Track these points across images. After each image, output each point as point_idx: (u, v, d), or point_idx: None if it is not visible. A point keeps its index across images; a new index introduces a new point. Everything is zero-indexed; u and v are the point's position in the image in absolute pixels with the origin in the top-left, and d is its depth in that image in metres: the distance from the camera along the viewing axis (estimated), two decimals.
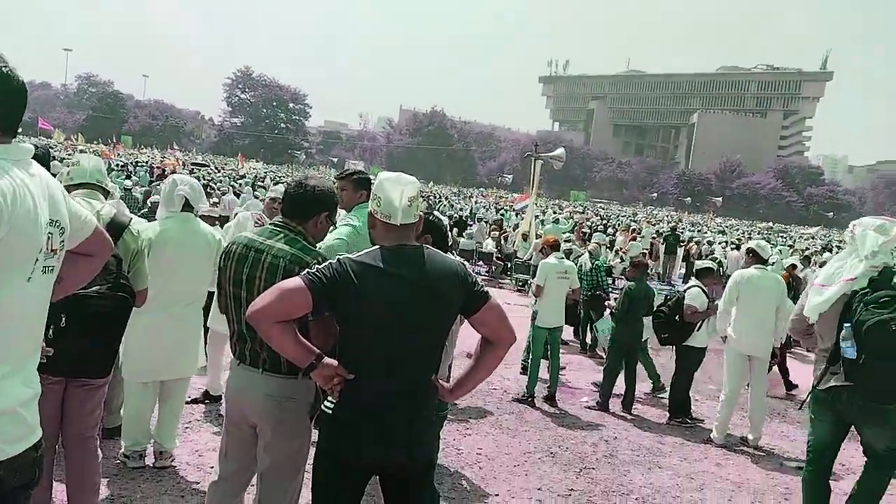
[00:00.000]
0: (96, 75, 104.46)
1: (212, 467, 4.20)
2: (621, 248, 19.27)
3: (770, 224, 63.85)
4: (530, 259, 16.26)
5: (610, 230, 25.84)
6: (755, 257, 6.17)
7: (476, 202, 38.59)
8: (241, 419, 2.71)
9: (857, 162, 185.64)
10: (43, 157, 4.22)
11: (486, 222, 22.82)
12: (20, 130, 1.80)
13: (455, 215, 24.65)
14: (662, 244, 19.88)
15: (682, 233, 24.23)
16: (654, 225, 34.42)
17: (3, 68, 1.66)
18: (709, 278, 6.84)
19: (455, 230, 19.54)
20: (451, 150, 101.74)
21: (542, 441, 5.55)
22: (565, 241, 16.25)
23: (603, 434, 5.94)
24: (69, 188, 3.19)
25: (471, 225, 21.46)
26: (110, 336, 2.95)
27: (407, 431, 2.28)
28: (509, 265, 17.50)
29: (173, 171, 30.58)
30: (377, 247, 2.30)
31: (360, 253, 2.27)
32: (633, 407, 6.77)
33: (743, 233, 41.27)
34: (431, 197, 37.92)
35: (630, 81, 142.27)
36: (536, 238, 17.34)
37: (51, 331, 2.70)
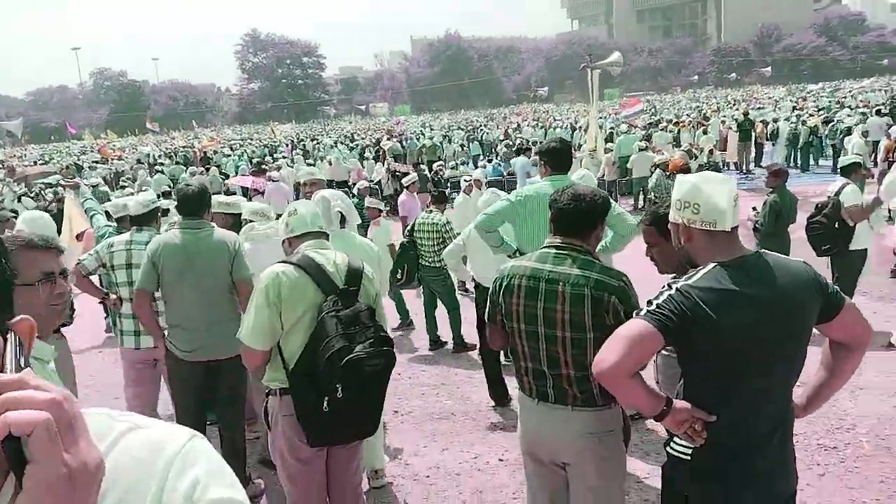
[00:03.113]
0: (108, 68, 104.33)
1: (427, 477, 4.12)
2: (693, 145, 18.46)
3: (820, 85, 60.69)
4: (603, 177, 15.69)
5: (667, 125, 24.80)
6: None
7: (516, 124, 37.11)
8: (550, 460, 2.51)
9: None
10: (202, 197, 3.98)
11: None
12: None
13: (508, 143, 23.98)
14: (737, 132, 18.85)
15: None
16: (701, 110, 32.94)
17: None
18: (856, 173, 6.35)
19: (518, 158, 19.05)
20: (473, 73, 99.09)
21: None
22: (641, 150, 15.70)
23: None
24: (291, 241, 2.94)
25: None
26: (383, 393, 2.74)
27: (783, 469, 2.02)
28: None
29: (214, 153, 30.58)
30: (713, 265, 1.95)
31: (697, 276, 1.93)
32: None
33: (797, 99, 39.16)
34: (470, 126, 37.04)
35: None
36: (605, 154, 16.73)
37: (326, 403, 2.50)
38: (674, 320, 1.86)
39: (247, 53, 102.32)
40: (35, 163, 35.35)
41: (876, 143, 15.41)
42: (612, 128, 24.09)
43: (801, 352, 2.00)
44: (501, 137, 26.42)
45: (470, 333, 6.57)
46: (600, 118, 28.37)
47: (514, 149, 21.70)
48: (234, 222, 4.63)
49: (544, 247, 2.52)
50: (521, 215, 3.99)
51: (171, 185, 19.44)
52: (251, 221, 4.58)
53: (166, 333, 3.90)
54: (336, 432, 2.64)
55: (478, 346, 6.49)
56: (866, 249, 6.13)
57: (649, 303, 1.95)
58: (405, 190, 10.41)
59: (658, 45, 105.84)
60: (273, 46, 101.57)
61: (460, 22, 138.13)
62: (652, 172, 14.54)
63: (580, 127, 27.30)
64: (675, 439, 2.03)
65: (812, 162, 19.54)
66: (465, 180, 9.98)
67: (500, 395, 5.14)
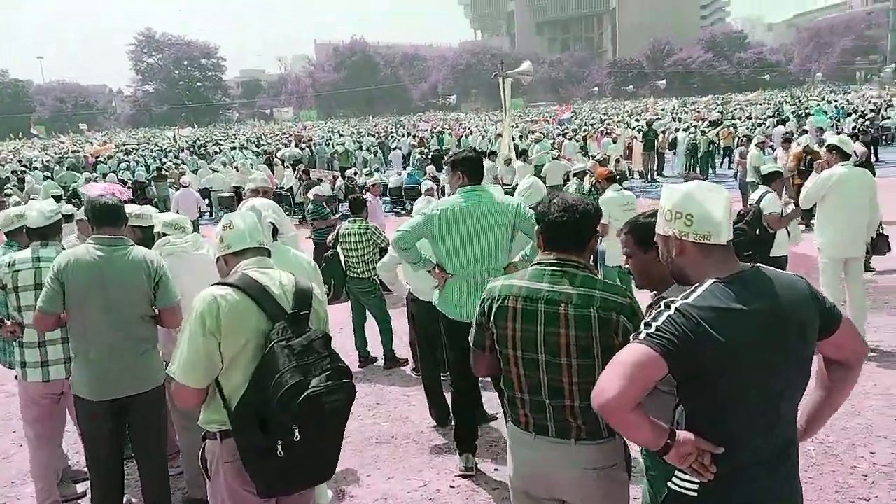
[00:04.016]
0: None
1: None
2: (610, 155, 18.88)
3: (709, 97, 64.19)
4: (516, 186, 15.78)
5: (570, 134, 25.43)
6: (839, 154, 5.86)
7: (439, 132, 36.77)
8: (548, 497, 2.30)
9: (774, 19, 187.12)
10: (120, 210, 3.52)
11: None
12: None
13: (422, 151, 23.85)
14: (642, 141, 19.52)
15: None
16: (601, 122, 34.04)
17: None
18: (776, 182, 6.55)
19: (433, 167, 18.90)
20: (379, 80, 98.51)
21: None
22: (553, 158, 15.91)
23: None
24: (227, 258, 2.55)
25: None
26: (342, 431, 2.42)
27: (791, 495, 1.89)
28: None
29: (109, 157, 28.77)
30: (711, 282, 1.80)
31: (696, 295, 1.77)
32: None
33: (683, 112, 41.24)
34: (383, 133, 36.67)
35: None
36: (518, 162, 16.85)
37: (279, 448, 2.18)
38: (676, 343, 1.70)
39: (141, 54, 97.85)
40: None
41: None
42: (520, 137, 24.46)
43: (807, 370, 1.89)
44: (415, 145, 26.19)
45: (399, 347, 6.32)
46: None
47: (429, 156, 21.61)
48: (146, 236, 4.15)
49: (537, 264, 2.31)
50: (438, 229, 3.85)
51: (63, 192, 18.07)
52: (165, 234, 4.11)
53: (71, 367, 3.42)
54: (290, 480, 2.30)
55: (410, 362, 6.25)
56: (786, 257, 6.31)
57: (647, 325, 1.78)
58: (367, 192, 10.06)
59: (558, 57, 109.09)
60: (169, 47, 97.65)
61: (363, 27, 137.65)
62: (566, 180, 14.78)
63: (491, 136, 27.58)
64: (678, 473, 1.86)
65: (710, 171, 20.49)
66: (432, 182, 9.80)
67: (441, 415, 4.90)
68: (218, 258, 2.59)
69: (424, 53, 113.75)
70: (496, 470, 4.13)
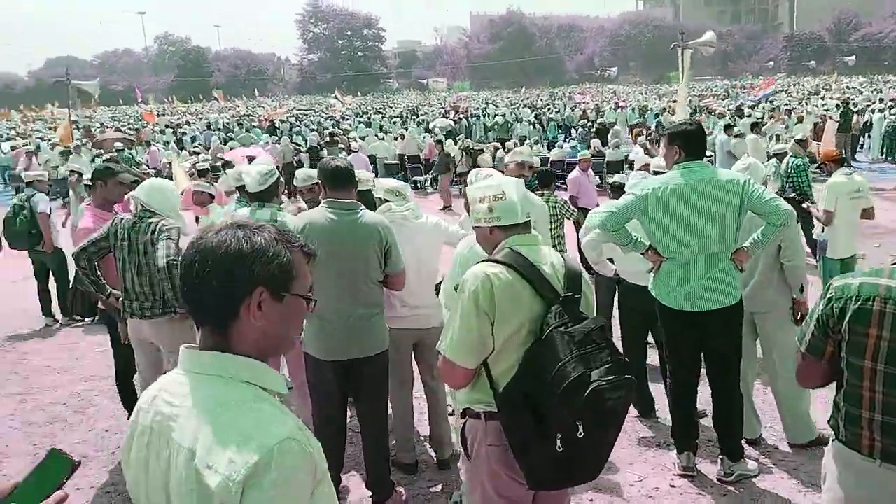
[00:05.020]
0: (172, 34, 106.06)
1: (591, 500, 3.61)
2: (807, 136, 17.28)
3: None
4: None
5: (751, 112, 23.53)
6: None
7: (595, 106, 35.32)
8: None
9: None
10: (352, 173, 3.52)
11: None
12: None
13: (585, 123, 23.10)
14: (840, 120, 17.58)
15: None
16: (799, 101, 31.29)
17: None
18: None
19: (598, 140, 18.25)
20: (534, 51, 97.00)
21: None
22: (737, 135, 14.70)
23: None
24: (494, 230, 2.35)
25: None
26: (619, 430, 2.22)
27: None
28: None
29: (282, 122, 30.41)
30: None
31: None
32: None
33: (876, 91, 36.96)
34: (541, 104, 36.00)
35: None
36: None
37: (558, 441, 2.01)
38: None
39: (307, 24, 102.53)
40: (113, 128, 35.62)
41: None
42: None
43: None
44: (580, 115, 25.44)
45: None
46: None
47: (591, 129, 20.92)
48: (365, 200, 4.12)
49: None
50: (650, 209, 3.49)
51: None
52: (386, 201, 4.06)
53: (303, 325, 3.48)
54: (563, 475, 2.13)
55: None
56: None
57: None
58: (576, 167, 9.27)
59: (728, 29, 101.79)
60: (334, 17, 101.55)
61: None
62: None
63: (658, 110, 26.25)
64: None
65: None
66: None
67: (645, 406, 4.61)
68: (485, 228, 2.36)
69: (582, 24, 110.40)
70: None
